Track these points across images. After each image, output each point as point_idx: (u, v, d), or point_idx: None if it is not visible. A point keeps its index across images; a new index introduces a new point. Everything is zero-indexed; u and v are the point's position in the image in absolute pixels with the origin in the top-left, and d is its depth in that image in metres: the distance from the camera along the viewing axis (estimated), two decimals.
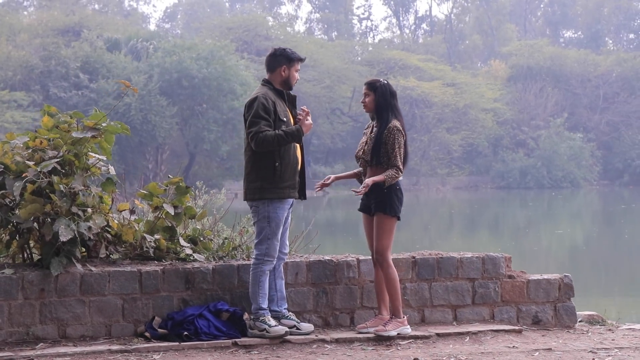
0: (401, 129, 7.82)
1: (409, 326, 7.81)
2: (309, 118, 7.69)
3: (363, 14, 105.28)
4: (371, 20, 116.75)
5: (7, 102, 51.70)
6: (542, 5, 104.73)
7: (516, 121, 74.70)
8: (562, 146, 71.00)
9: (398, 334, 7.68)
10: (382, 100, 7.89)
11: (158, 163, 58.67)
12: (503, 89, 75.99)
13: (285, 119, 7.63)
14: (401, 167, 7.76)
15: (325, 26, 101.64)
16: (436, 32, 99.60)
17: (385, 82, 7.99)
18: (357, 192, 7.76)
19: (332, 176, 8.35)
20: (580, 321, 8.75)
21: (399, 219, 7.88)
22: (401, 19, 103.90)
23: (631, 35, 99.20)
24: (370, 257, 8.10)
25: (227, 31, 72.38)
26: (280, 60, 7.75)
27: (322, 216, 44.58)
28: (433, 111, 71.24)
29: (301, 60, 7.82)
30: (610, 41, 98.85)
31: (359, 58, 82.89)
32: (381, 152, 7.78)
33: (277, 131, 7.48)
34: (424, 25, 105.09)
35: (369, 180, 7.74)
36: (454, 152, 71.65)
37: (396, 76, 72.11)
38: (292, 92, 7.88)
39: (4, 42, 57.80)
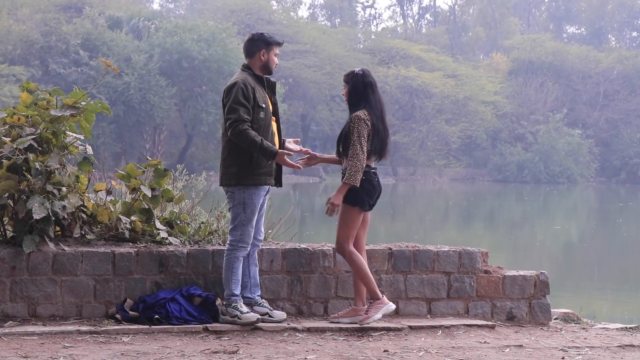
0: (365, 118, 7.65)
1: (390, 302, 7.76)
2: (291, 160, 7.62)
3: (367, 1, 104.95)
4: (375, 9, 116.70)
5: (5, 76, 51.60)
6: (546, 0, 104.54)
7: (515, 115, 74.65)
8: (561, 142, 70.97)
9: (383, 315, 7.65)
10: (353, 92, 7.80)
11: (155, 143, 58.62)
12: (504, 82, 75.89)
13: (264, 105, 7.58)
14: (358, 154, 7.55)
15: (329, 12, 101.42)
16: (439, 23, 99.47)
17: (361, 72, 7.82)
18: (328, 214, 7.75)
19: (315, 155, 8.16)
20: (555, 319, 8.72)
21: (365, 210, 7.79)
22: (405, 8, 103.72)
23: (634, 33, 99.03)
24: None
25: (230, 14, 72.21)
26: (259, 44, 7.71)
27: (318, 203, 44.58)
28: (433, 102, 71.15)
29: (279, 44, 7.78)
30: (613, 38, 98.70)
31: (361, 46, 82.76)
32: (347, 143, 7.71)
33: (256, 137, 7.40)
34: (427, 16, 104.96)
35: (335, 197, 7.68)
36: (452, 143, 71.58)
37: (397, 65, 72.05)
38: (271, 79, 7.84)
39: (5, 16, 57.65)
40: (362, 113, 7.69)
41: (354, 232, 7.74)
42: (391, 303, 7.78)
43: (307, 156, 8.11)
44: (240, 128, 7.39)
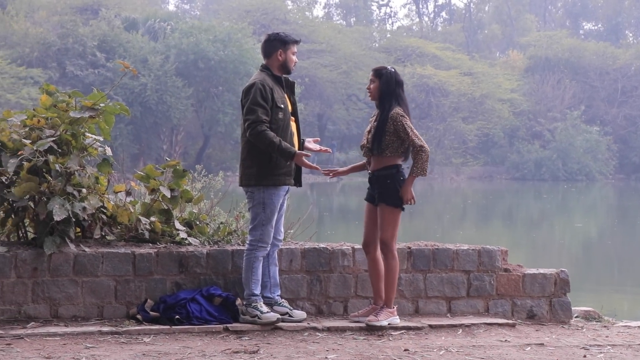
0: (404, 114, 7.78)
1: (397, 317, 7.79)
2: (311, 163, 7.66)
3: (382, 0, 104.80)
4: (390, 7, 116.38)
5: (23, 79, 51.75)
6: None
7: (533, 112, 74.29)
8: (579, 139, 70.58)
9: (389, 324, 7.66)
10: (385, 88, 7.84)
11: (173, 144, 58.64)
12: (520, 80, 75.57)
13: (282, 106, 7.59)
14: (423, 145, 7.72)
15: (344, 12, 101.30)
16: (455, 21, 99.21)
17: (393, 69, 7.93)
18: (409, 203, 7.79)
19: (347, 168, 8.43)
20: (576, 317, 8.69)
21: (402, 209, 7.84)
22: (420, 6, 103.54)
23: None
24: (361, 246, 8.05)
25: (245, 14, 72.20)
26: (275, 44, 7.71)
27: (335, 203, 44.55)
28: (449, 100, 70.94)
29: (296, 42, 7.78)
30: (630, 34, 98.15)
31: (377, 44, 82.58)
32: (383, 141, 7.74)
33: (274, 138, 7.42)
34: (443, 14, 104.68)
35: (406, 190, 7.71)
36: (469, 141, 71.33)
37: (413, 64, 71.88)
38: (290, 78, 7.84)
39: (22, 19, 57.83)
40: (399, 109, 7.75)
41: (396, 231, 7.78)
42: (398, 317, 7.82)
43: (335, 169, 8.28)
44: (258, 129, 7.40)
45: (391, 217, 7.75)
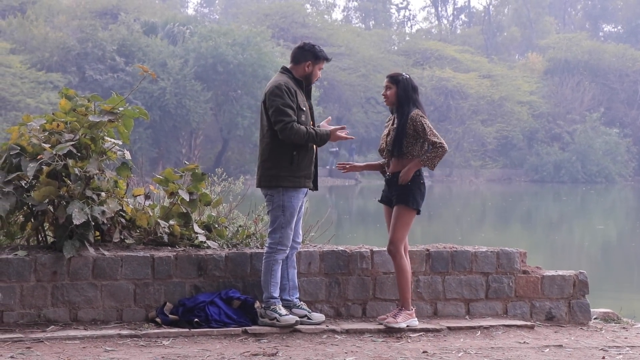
0: (423, 115, 7.84)
1: (416, 319, 7.80)
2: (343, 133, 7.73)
3: (401, 3, 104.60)
4: (409, 10, 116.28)
5: (43, 83, 52.05)
6: None
7: (552, 115, 74.11)
8: (598, 141, 70.38)
9: (407, 326, 7.67)
10: (403, 94, 7.89)
11: (192, 148, 58.80)
12: (539, 82, 75.42)
13: (304, 108, 7.64)
14: (441, 142, 7.76)
15: (363, 15, 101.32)
16: (474, 24, 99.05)
17: (408, 76, 8.00)
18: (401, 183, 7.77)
19: (362, 164, 8.52)
20: (595, 318, 8.67)
21: (418, 212, 7.86)
22: (439, 9, 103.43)
23: None
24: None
25: (264, 17, 72.40)
26: (307, 55, 7.75)
27: (354, 206, 44.53)
28: (468, 103, 70.85)
29: (327, 60, 7.81)
30: None
31: (396, 47, 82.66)
32: (404, 143, 7.77)
33: (309, 129, 7.49)
34: (462, 16, 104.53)
35: (407, 170, 7.72)
36: (488, 144, 71.23)
37: (432, 67, 71.86)
38: None
39: (42, 23, 58.13)
40: (418, 112, 7.80)
41: (407, 233, 7.81)
42: (416, 319, 7.83)
43: (351, 163, 8.31)
44: (294, 127, 7.44)
45: (406, 219, 7.77)
